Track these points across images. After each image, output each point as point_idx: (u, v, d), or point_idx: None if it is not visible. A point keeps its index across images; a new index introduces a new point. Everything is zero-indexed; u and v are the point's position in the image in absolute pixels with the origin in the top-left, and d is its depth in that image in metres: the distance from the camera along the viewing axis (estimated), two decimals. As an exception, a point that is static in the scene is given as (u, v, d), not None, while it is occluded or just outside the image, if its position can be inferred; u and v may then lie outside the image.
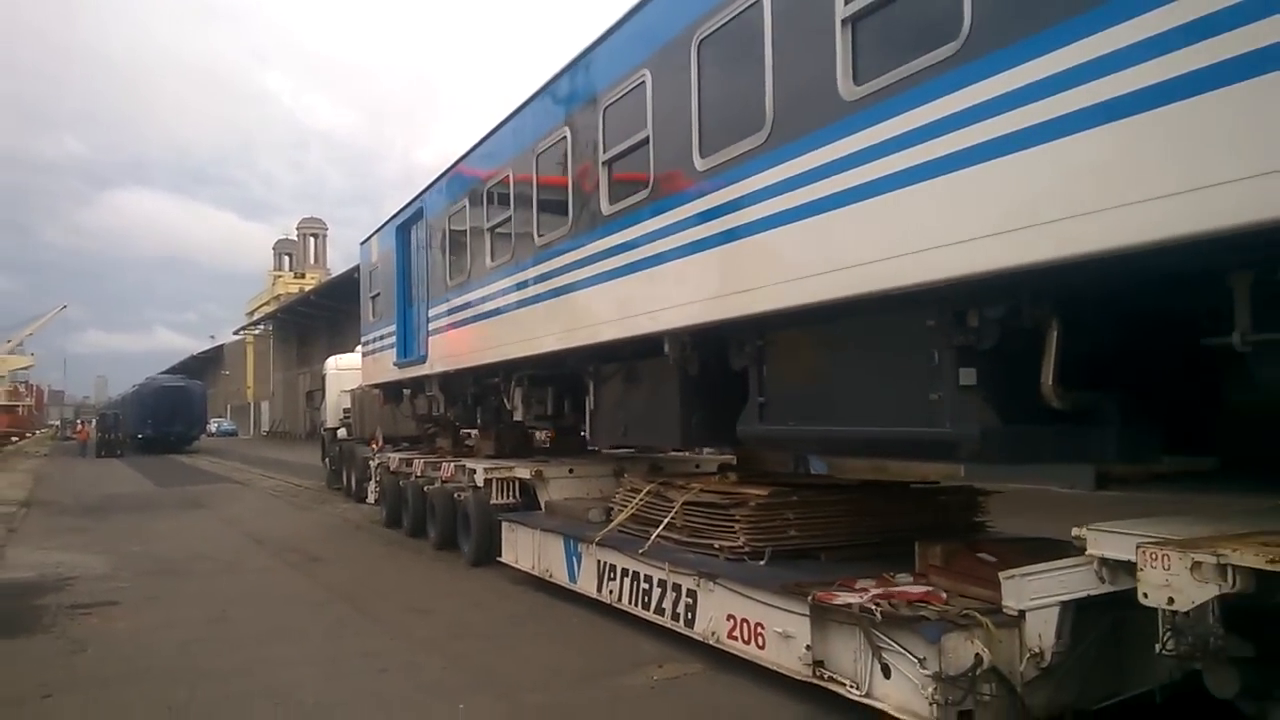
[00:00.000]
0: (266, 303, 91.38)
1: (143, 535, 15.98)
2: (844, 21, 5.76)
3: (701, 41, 7.24)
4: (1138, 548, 4.18)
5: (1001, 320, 5.26)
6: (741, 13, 6.72)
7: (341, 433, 24.08)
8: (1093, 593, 4.75)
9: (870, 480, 8.03)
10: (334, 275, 67.25)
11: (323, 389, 26.63)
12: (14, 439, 67.38)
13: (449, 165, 13.42)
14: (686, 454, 12.12)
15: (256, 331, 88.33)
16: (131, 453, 48.96)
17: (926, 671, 5.21)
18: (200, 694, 6.87)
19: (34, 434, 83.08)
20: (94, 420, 59.40)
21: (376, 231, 17.49)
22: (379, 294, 17.35)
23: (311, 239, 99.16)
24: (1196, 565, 3.93)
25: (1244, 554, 3.88)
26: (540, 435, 14.61)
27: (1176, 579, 4.00)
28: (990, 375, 5.47)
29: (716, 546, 7.52)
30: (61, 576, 11.76)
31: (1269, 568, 3.80)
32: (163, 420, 52.27)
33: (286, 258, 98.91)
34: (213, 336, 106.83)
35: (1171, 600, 4.04)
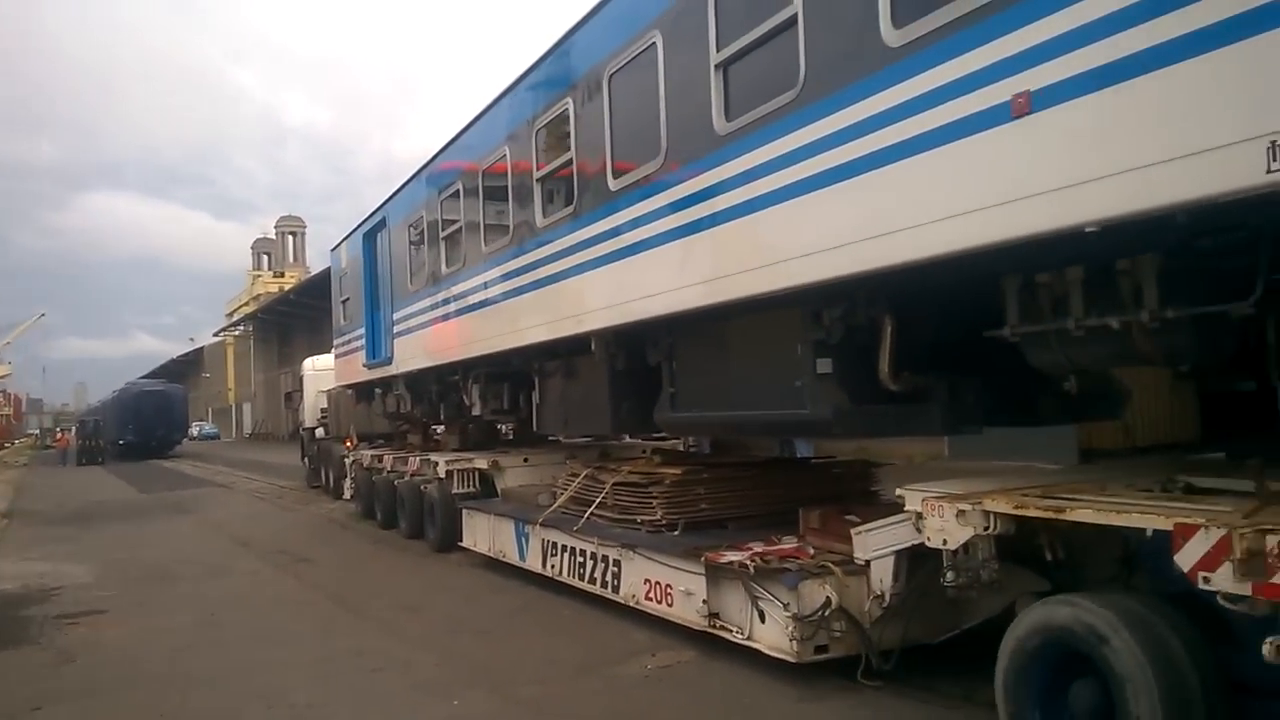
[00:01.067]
0: (246, 303, 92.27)
1: (128, 542, 16.21)
2: (716, 67, 6.91)
3: (611, 76, 8.39)
4: (922, 500, 5.36)
5: (845, 318, 6.42)
6: (639, 55, 7.87)
7: (319, 432, 25.15)
8: (914, 542, 5.91)
9: (774, 458, 9.20)
10: (313, 273, 68.14)
11: (300, 390, 27.74)
12: (-7, 449, 68.13)
13: (407, 178, 14.54)
14: (638, 440, 13.28)
15: (236, 332, 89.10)
16: (112, 459, 49.48)
17: (788, 614, 6.39)
18: (192, 700, 7.02)
19: (13, 444, 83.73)
20: (74, 428, 60.12)
21: (345, 239, 18.60)
22: (348, 299, 18.45)
23: (290, 237, 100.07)
24: (961, 512, 5.11)
25: (998, 502, 5.06)
26: (504, 428, 15.76)
27: (948, 524, 5.19)
28: (842, 364, 6.62)
29: (639, 521, 8.66)
30: (46, 587, 11.97)
31: (1015, 512, 4.98)
32: (144, 425, 52.86)
33: (265, 257, 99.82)
34: (192, 339, 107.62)
35: (945, 541, 5.23)
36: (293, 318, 67.24)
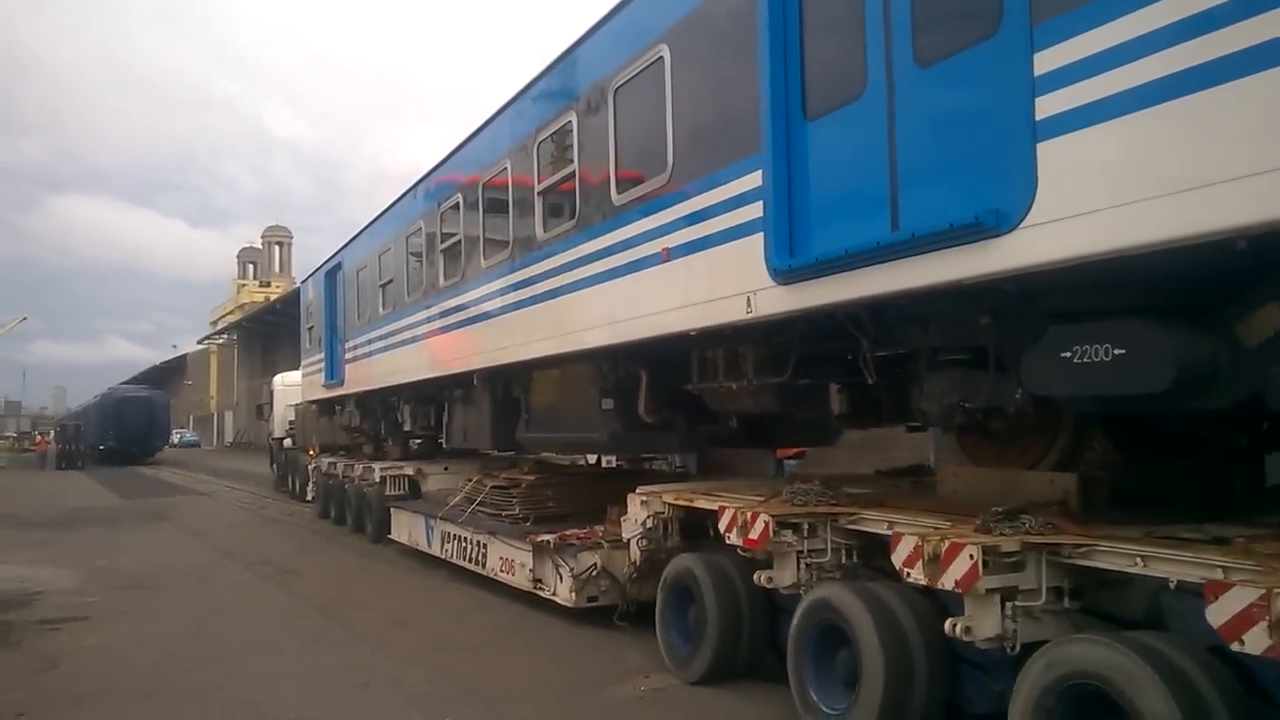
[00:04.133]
0: (231, 311, 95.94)
1: (109, 549, 16.80)
2: (539, 193, 10.38)
3: (483, 186, 11.88)
4: (629, 495, 8.78)
5: (616, 371, 9.86)
6: (498, 174, 11.37)
7: (287, 442, 28.72)
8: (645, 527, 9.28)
9: (610, 468, 12.68)
10: (299, 284, 71.42)
11: (271, 403, 31.38)
12: (-28, 452, 71.20)
13: (358, 231, 18.12)
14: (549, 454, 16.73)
15: (221, 341, 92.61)
16: (92, 464, 51.72)
17: (572, 575, 9.79)
18: (177, 711, 7.22)
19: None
20: (53, 431, 62.39)
21: (312, 274, 22.28)
22: (313, 326, 22.05)
23: (276, 247, 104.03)
24: (644, 502, 8.53)
25: (668, 495, 8.47)
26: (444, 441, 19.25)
27: (636, 509, 8.62)
28: (618, 403, 10.05)
29: (504, 515, 12.07)
30: (27, 591, 12.25)
31: (676, 502, 8.39)
32: (125, 431, 55.41)
33: (251, 266, 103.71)
34: (175, 346, 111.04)
35: (636, 520, 8.65)
36: (277, 328, 70.38)
